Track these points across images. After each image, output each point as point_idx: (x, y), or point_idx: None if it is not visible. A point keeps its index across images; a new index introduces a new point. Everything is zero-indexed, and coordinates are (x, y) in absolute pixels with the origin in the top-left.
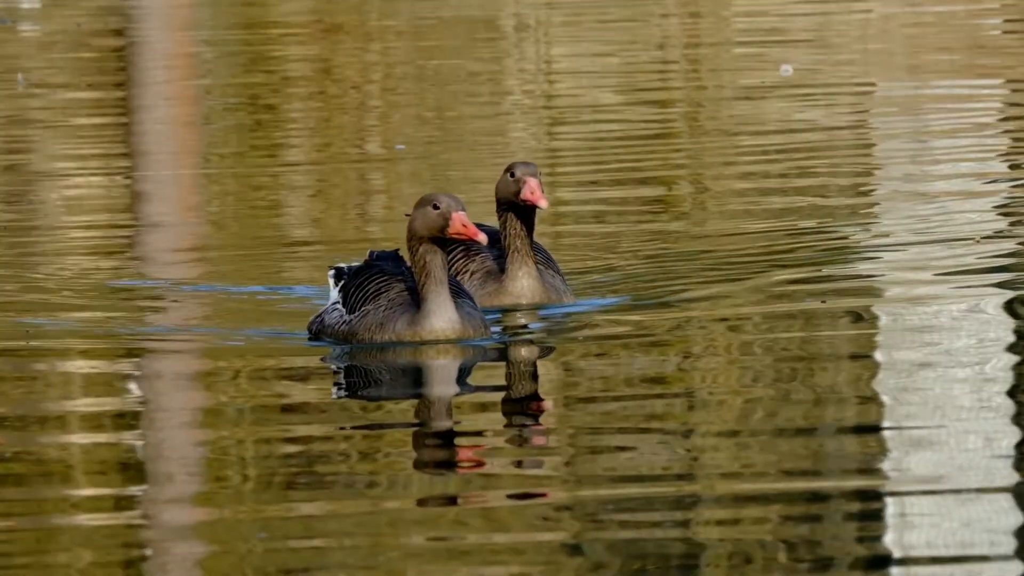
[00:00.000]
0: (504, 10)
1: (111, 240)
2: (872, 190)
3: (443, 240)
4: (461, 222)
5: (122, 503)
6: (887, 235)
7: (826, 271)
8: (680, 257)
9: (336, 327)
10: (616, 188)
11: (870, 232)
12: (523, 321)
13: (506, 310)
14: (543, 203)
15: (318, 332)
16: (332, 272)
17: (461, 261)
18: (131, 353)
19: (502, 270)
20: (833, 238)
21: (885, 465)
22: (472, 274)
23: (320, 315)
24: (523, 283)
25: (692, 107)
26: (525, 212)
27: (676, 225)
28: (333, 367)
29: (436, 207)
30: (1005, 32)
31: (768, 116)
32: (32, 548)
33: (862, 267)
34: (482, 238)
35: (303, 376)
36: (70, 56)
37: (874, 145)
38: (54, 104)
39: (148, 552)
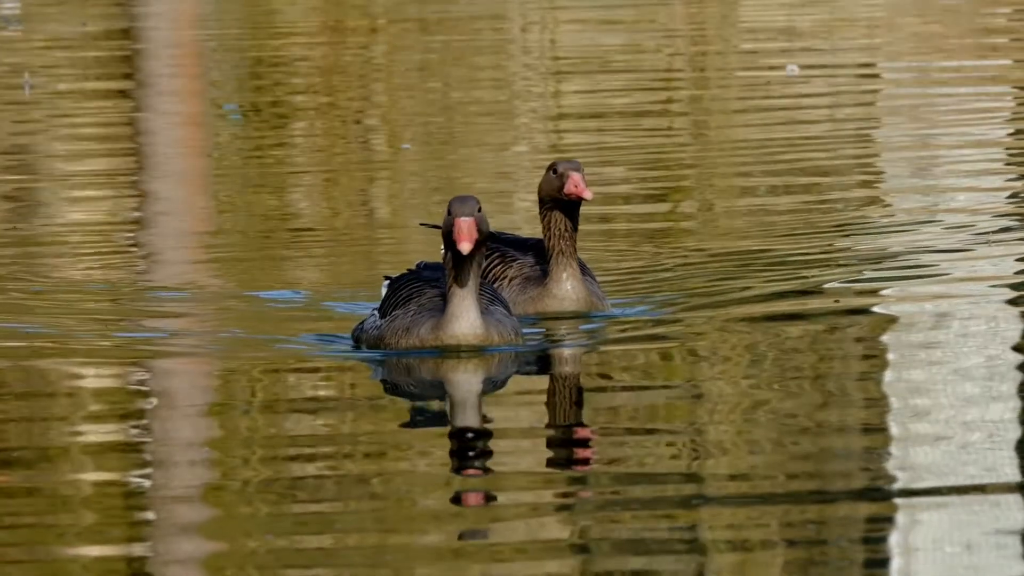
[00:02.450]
0: (510, 10)
1: (116, 244)
2: (879, 193)
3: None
4: (458, 228)
5: (129, 522)
6: (895, 239)
7: (835, 277)
8: (688, 264)
9: (369, 332)
10: (622, 189)
11: (878, 237)
12: (564, 329)
13: (548, 317)
14: (588, 194)
15: (357, 338)
16: (386, 282)
17: (498, 267)
18: (156, 360)
19: (540, 276)
20: (841, 243)
21: (891, 475)
22: (511, 280)
23: (362, 322)
24: (567, 287)
25: (697, 109)
26: (569, 208)
27: (682, 231)
28: (352, 375)
29: (449, 211)
30: (1014, 39)
31: (774, 117)
32: (34, 544)
33: (870, 273)
34: (463, 247)
35: (320, 384)
36: (69, 58)
37: (880, 147)
38: (59, 106)
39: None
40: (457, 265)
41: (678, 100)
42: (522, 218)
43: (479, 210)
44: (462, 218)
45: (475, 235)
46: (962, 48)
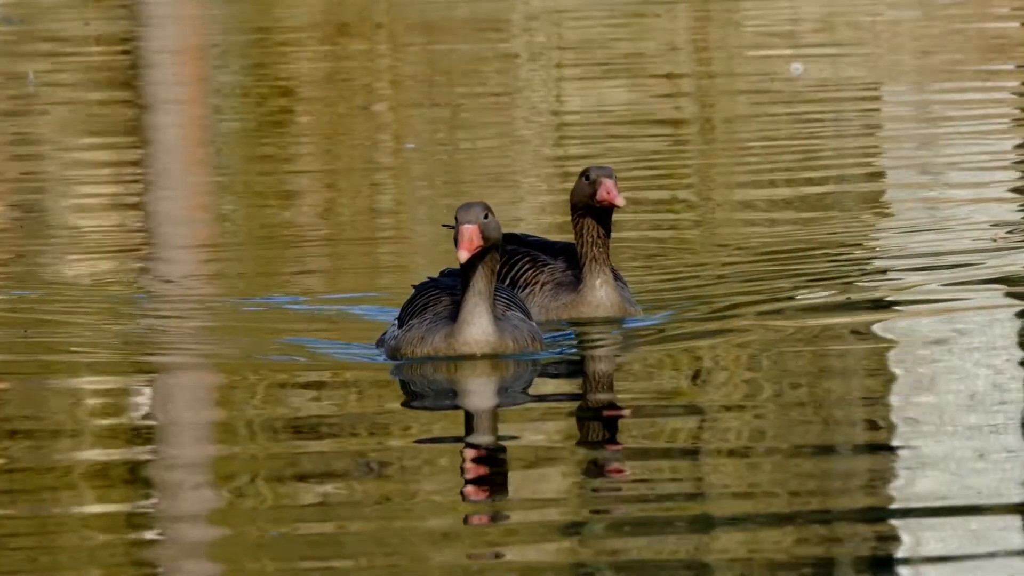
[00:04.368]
0: (514, 11)
1: (121, 247)
2: (884, 196)
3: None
4: (459, 236)
5: (133, 519)
6: (900, 244)
7: (841, 283)
8: (690, 271)
9: (387, 342)
10: (627, 191)
11: (883, 242)
12: (594, 335)
13: (580, 323)
14: (620, 201)
15: (379, 345)
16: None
17: (530, 272)
18: (158, 373)
19: (572, 281)
20: (847, 249)
21: (896, 486)
22: (542, 285)
23: (384, 332)
24: (600, 293)
25: (702, 110)
26: (602, 215)
27: (687, 238)
28: (363, 384)
29: (456, 218)
30: (1020, 39)
31: (778, 119)
32: (40, 565)
33: (876, 278)
34: (460, 255)
35: (332, 396)
36: (72, 60)
37: (885, 147)
38: (62, 107)
39: (159, 570)
40: (464, 272)
41: (683, 102)
42: (525, 219)
43: (486, 216)
44: (464, 225)
45: (476, 243)
46: (966, 48)
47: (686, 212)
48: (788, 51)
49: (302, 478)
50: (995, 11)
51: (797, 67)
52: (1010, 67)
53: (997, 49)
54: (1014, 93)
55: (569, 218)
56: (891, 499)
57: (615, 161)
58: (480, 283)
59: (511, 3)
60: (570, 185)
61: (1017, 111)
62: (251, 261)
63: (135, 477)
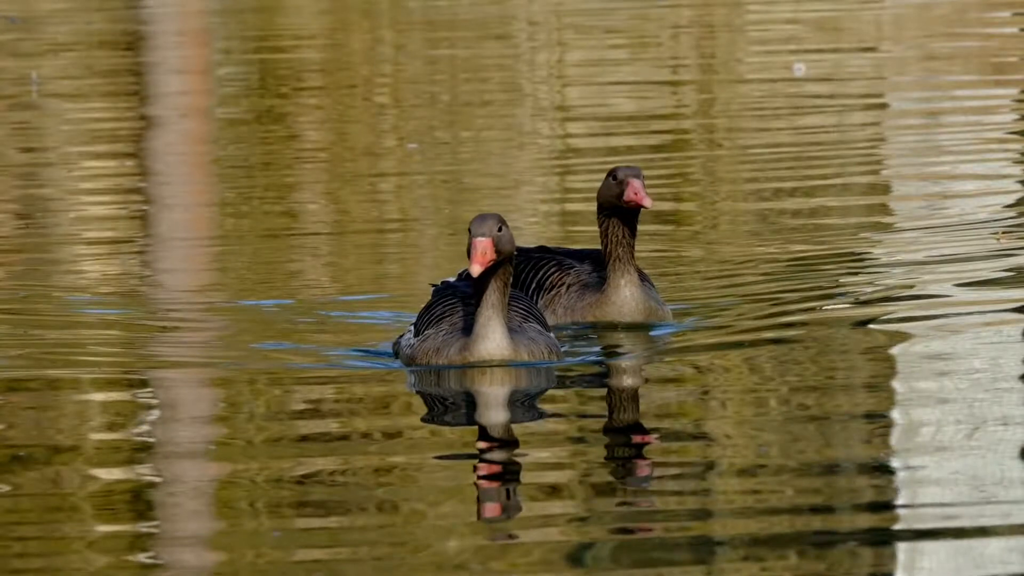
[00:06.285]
0: (516, 11)
1: (122, 248)
2: (888, 200)
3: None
4: (471, 249)
5: (136, 540)
6: (903, 250)
7: (844, 289)
8: (692, 277)
9: (403, 350)
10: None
11: (886, 247)
12: (621, 340)
13: (606, 325)
14: (647, 202)
15: (396, 353)
16: (434, 290)
17: (555, 274)
18: (162, 382)
19: (598, 282)
20: (849, 254)
21: (899, 502)
22: (568, 287)
23: (401, 335)
24: (625, 294)
25: (705, 110)
26: (628, 216)
27: (687, 243)
28: (376, 394)
29: (469, 231)
30: (1021, 40)
31: (780, 121)
32: None
33: (879, 284)
34: (473, 270)
35: (341, 405)
36: (76, 61)
37: (888, 148)
38: (65, 106)
39: None
40: (477, 284)
41: (685, 100)
42: (527, 219)
43: (500, 229)
44: (476, 239)
45: (489, 256)
46: (968, 48)
47: (691, 216)
48: (791, 37)
49: (308, 495)
50: (999, 14)
51: (799, 67)
52: (1013, 66)
53: (1001, 50)
54: (1018, 97)
55: (567, 212)
56: (893, 519)
57: (618, 162)
58: (493, 296)
59: (514, 5)
60: (572, 184)
61: (1020, 108)
62: (254, 264)
63: (138, 496)
